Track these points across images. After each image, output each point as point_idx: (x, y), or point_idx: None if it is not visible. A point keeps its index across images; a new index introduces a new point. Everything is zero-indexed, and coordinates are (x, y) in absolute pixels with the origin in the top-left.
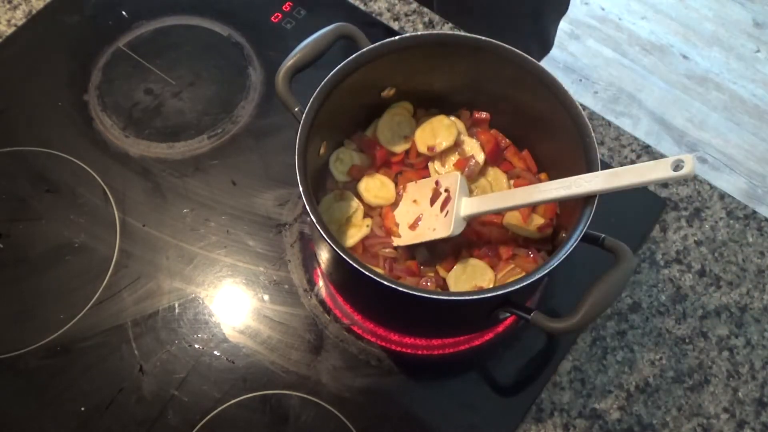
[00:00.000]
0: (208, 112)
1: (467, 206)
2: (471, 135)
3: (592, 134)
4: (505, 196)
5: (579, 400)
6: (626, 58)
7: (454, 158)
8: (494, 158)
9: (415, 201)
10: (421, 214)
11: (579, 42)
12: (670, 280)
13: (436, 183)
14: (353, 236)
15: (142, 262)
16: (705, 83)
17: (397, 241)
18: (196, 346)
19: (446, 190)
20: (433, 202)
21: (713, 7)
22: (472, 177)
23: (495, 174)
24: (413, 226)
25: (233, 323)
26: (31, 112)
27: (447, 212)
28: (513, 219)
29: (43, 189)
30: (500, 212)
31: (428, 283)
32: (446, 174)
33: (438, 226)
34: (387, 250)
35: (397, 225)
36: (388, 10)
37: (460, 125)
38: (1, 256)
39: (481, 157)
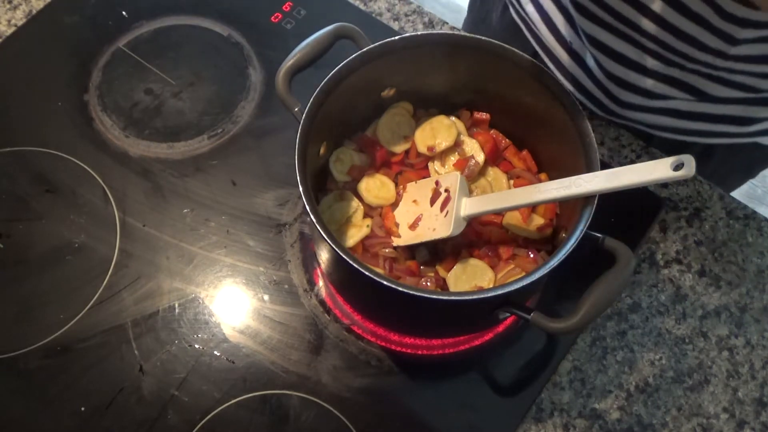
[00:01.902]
0: (208, 112)
1: (467, 206)
2: (471, 135)
3: (592, 134)
4: (505, 196)
5: (579, 400)
6: None
7: (454, 158)
8: (493, 158)
9: (415, 201)
10: (421, 214)
11: None
12: (670, 280)
13: (436, 183)
14: (353, 236)
15: (142, 262)
16: None
17: (396, 241)
18: (196, 346)
19: (446, 190)
20: (433, 202)
21: None
22: (472, 177)
23: (495, 174)
24: (413, 226)
25: (233, 323)
26: (31, 112)
27: (447, 212)
28: (513, 219)
29: (43, 189)
30: (500, 212)
31: (428, 283)
32: (446, 174)
33: (438, 226)
34: (387, 250)
35: (397, 225)
36: (388, 10)
37: (460, 125)
38: (1, 256)
39: (480, 157)
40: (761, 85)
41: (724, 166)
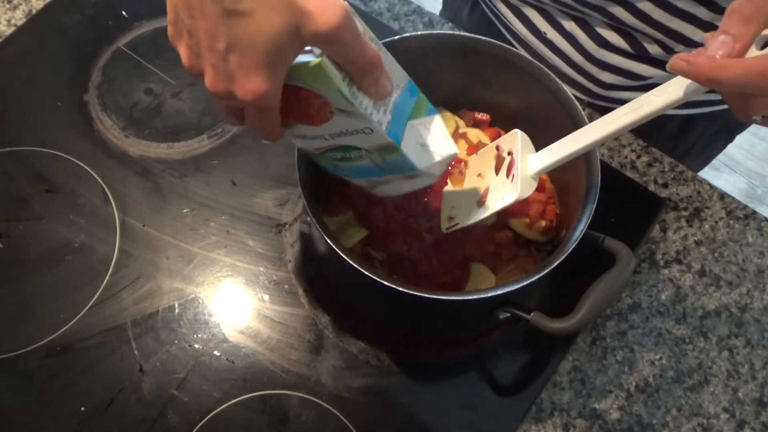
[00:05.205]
0: (208, 112)
1: (534, 163)
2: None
3: None
4: (571, 140)
5: (579, 400)
6: None
7: (464, 147)
8: None
9: (479, 175)
10: (488, 187)
11: None
12: (670, 280)
13: (497, 148)
14: (353, 236)
15: (142, 262)
16: None
17: (464, 223)
18: (196, 346)
19: (509, 153)
20: (498, 170)
21: None
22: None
23: None
24: (481, 202)
25: (233, 323)
26: (31, 112)
27: (513, 176)
28: (519, 224)
29: (43, 189)
30: (569, 159)
31: None
32: (505, 136)
33: (505, 194)
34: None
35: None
36: (388, 10)
37: (461, 121)
38: (1, 256)
39: (486, 139)
40: None
41: (706, 134)
